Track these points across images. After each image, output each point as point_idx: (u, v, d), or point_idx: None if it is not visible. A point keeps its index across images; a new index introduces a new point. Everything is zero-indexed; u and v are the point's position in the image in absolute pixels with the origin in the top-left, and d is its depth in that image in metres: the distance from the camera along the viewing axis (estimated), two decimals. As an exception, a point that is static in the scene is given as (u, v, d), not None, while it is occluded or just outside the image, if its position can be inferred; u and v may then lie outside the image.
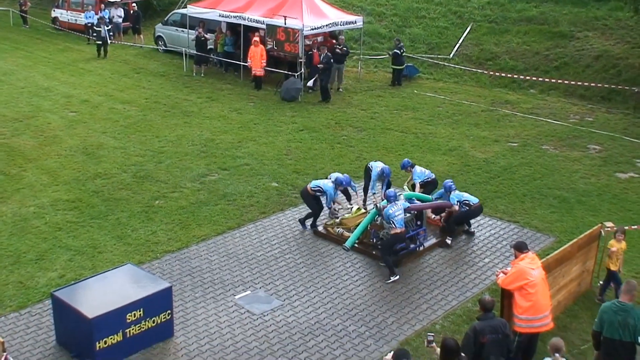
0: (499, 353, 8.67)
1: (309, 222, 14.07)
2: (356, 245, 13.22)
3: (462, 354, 8.06)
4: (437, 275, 12.51)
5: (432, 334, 8.56)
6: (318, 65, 22.82)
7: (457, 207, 13.45)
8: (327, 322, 11.00)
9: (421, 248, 13.34)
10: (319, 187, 13.78)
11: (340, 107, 22.44)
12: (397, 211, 12.40)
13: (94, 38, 29.12)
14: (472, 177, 16.76)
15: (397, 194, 13.00)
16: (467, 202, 13.50)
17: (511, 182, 16.62)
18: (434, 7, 29.89)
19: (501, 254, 13.23)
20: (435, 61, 26.62)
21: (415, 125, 20.69)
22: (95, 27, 28.76)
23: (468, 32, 27.67)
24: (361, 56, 26.53)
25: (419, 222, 13.44)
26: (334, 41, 24.43)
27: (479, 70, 25.62)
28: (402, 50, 24.66)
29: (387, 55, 25.90)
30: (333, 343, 10.48)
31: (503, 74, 24.97)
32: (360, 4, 30.83)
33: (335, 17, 24.37)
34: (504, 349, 8.74)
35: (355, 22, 25.07)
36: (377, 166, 14.66)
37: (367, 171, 14.85)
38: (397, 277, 12.25)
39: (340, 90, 24.19)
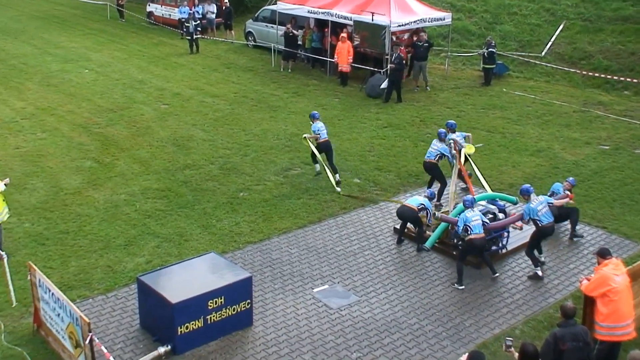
0: (579, 361, 8.44)
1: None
2: (436, 245, 13.13)
3: (541, 361, 7.90)
4: (520, 279, 12.24)
5: (511, 338, 8.41)
6: (389, 65, 22.66)
7: (521, 224, 12.66)
8: (403, 320, 10.98)
9: (504, 251, 13.09)
10: (423, 204, 13.14)
11: (426, 104, 22.23)
12: (474, 216, 12.03)
13: (183, 32, 30.01)
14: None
15: (475, 200, 12.69)
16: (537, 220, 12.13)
17: (601, 187, 16.04)
18: (526, 4, 29.09)
19: (587, 260, 12.80)
20: (526, 59, 25.92)
21: (503, 125, 20.25)
22: (185, 23, 29.63)
23: (561, 30, 26.79)
24: (449, 53, 26.17)
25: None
26: (422, 34, 24.08)
27: (572, 70, 24.76)
28: (495, 50, 24.23)
29: (479, 54, 25.38)
30: (409, 342, 10.45)
31: (596, 74, 24.04)
32: (450, 0, 30.40)
33: (423, 14, 24.14)
34: (584, 357, 8.49)
35: (444, 19, 24.73)
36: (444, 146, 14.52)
37: (435, 170, 14.57)
38: (463, 287, 11.88)
39: (427, 88, 23.92)
